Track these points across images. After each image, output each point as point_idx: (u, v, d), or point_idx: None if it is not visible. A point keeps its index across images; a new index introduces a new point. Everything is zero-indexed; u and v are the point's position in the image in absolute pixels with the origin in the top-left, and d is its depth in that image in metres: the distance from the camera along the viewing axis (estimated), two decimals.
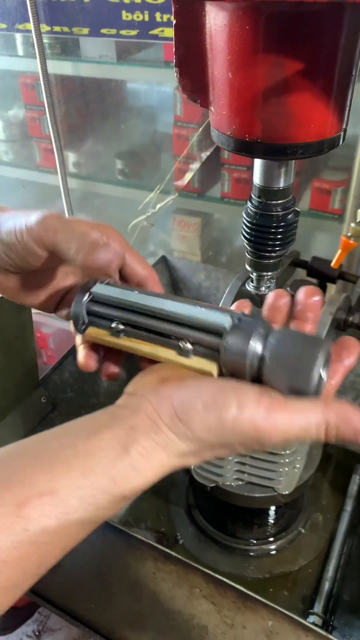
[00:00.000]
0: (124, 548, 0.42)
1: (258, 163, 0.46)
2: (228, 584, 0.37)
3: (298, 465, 0.63)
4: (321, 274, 0.79)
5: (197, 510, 0.78)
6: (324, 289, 0.82)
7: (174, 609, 0.42)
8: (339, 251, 0.63)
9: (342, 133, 0.42)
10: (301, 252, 0.80)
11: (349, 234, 0.60)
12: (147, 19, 0.92)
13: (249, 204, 0.49)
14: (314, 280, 0.81)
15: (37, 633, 1.39)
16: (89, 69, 1.09)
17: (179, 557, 0.39)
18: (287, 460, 0.60)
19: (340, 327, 0.71)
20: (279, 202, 0.48)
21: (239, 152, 0.42)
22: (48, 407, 0.77)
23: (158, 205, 1.12)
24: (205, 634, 0.42)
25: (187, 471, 0.82)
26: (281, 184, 0.46)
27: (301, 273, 0.82)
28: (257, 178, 0.47)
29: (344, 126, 0.42)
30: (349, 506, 0.78)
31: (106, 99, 1.21)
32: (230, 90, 0.39)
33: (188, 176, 1.10)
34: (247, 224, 0.49)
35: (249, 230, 0.50)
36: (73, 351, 0.80)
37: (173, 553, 0.39)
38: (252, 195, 0.49)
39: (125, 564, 0.42)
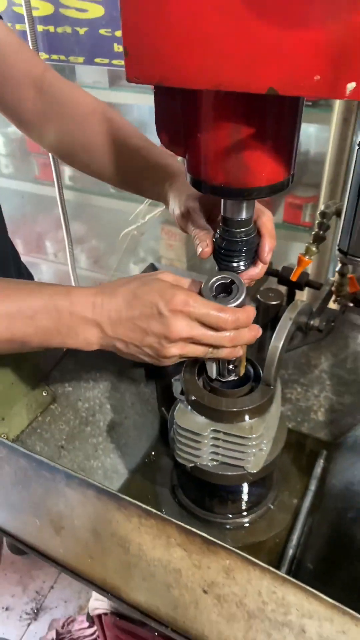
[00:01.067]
0: (114, 508, 0.52)
1: (224, 200, 0.56)
2: (196, 533, 0.48)
3: (264, 447, 0.74)
4: (290, 282, 0.89)
5: (179, 489, 0.89)
6: (292, 295, 0.93)
7: (155, 557, 0.53)
8: (297, 266, 0.74)
9: (290, 177, 0.53)
10: (276, 261, 0.91)
11: (304, 252, 0.71)
12: None
13: (218, 231, 0.60)
14: (284, 287, 0.92)
15: (35, 611, 1.50)
16: None
17: (158, 512, 0.49)
18: (254, 442, 0.71)
19: (302, 329, 0.82)
20: (242, 230, 0.58)
21: (207, 193, 0.52)
22: (49, 399, 0.87)
23: (147, 216, 1.23)
24: (179, 577, 0.52)
25: (171, 456, 0.93)
26: (243, 216, 0.57)
27: (273, 280, 0.93)
28: (223, 211, 0.57)
29: (291, 172, 0.52)
30: (313, 486, 0.89)
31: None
32: (199, 146, 0.49)
33: None
34: (217, 248, 0.60)
35: (218, 254, 0.60)
36: (70, 350, 0.90)
37: (153, 510, 0.50)
38: (220, 224, 0.59)
39: (116, 521, 0.53)
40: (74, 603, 1.51)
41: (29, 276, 1.08)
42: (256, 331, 0.60)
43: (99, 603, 1.06)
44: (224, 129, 0.47)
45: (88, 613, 1.05)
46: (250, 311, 0.59)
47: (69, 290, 0.58)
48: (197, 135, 0.49)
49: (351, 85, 0.37)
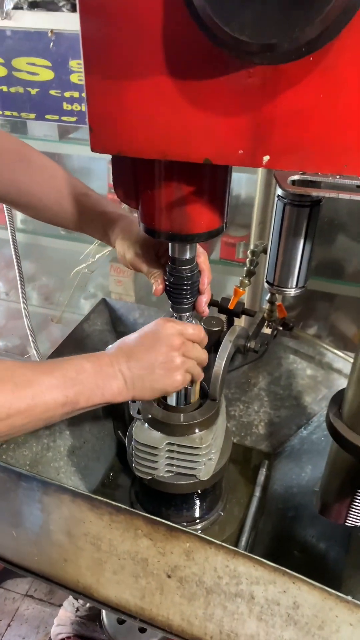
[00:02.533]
0: (87, 509, 0.60)
1: (171, 243, 0.67)
2: (159, 521, 0.56)
3: (213, 457, 0.83)
4: (228, 311, 1.01)
5: (138, 505, 0.96)
6: (231, 322, 1.05)
7: (124, 550, 0.61)
8: (233, 296, 0.86)
9: (224, 224, 0.64)
10: (215, 292, 1.02)
11: (239, 285, 0.83)
12: (84, 110, 1.14)
13: (167, 268, 0.70)
14: (224, 315, 1.03)
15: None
16: (35, 145, 1.29)
17: (127, 507, 0.58)
18: (204, 452, 0.80)
19: (241, 351, 0.94)
20: (187, 267, 0.69)
21: (156, 238, 0.63)
22: None
23: (97, 256, 1.32)
24: (146, 565, 0.60)
25: (130, 473, 1.01)
26: (187, 256, 0.68)
27: (214, 310, 1.04)
28: (170, 252, 0.68)
29: (225, 220, 0.64)
30: (257, 492, 0.99)
31: None
32: (149, 201, 0.60)
33: None
34: (167, 284, 0.71)
35: (167, 288, 0.71)
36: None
37: (123, 506, 0.58)
38: (169, 263, 0.70)
39: (89, 521, 0.61)
40: (32, 638, 1.51)
41: None
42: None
43: (61, 628, 1.10)
44: (170, 188, 0.58)
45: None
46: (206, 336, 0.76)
47: (92, 354, 0.68)
48: (148, 193, 0.60)
49: (266, 158, 0.49)
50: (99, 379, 0.65)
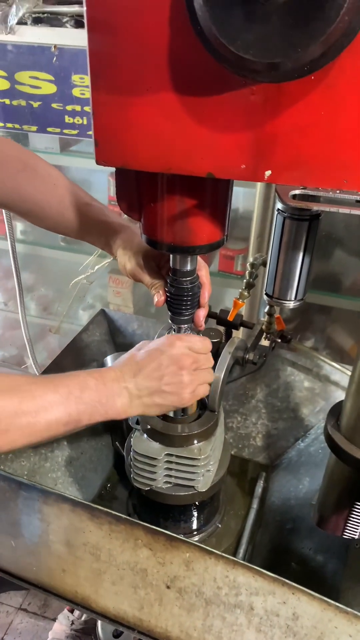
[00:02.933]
0: (87, 518, 0.60)
1: (172, 255, 0.68)
2: (159, 531, 0.57)
3: (211, 468, 0.83)
4: (227, 323, 1.02)
5: (135, 516, 0.96)
6: (230, 334, 1.05)
7: (124, 560, 0.61)
8: (232, 308, 0.86)
9: (225, 236, 0.65)
10: (214, 304, 1.03)
11: (238, 297, 0.84)
12: (85, 123, 1.16)
13: (167, 279, 0.71)
14: (222, 327, 1.04)
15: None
16: None
17: (127, 517, 0.58)
18: (203, 463, 0.80)
19: (239, 363, 0.94)
20: (188, 278, 0.70)
21: (158, 250, 0.64)
22: None
23: (96, 267, 1.33)
24: (145, 576, 0.60)
25: (127, 485, 1.01)
26: (188, 268, 0.69)
27: (212, 322, 1.05)
28: (172, 263, 0.69)
29: (226, 233, 0.65)
30: (255, 505, 0.99)
31: None
32: (152, 214, 0.61)
33: None
34: (168, 295, 0.71)
35: (168, 299, 0.72)
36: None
37: (123, 515, 0.58)
38: (169, 274, 0.71)
39: (89, 530, 0.61)
40: None
41: None
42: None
43: None
44: (172, 200, 0.59)
45: None
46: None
47: (97, 370, 0.69)
48: (151, 205, 0.61)
49: (268, 173, 0.51)
50: (102, 396, 0.65)
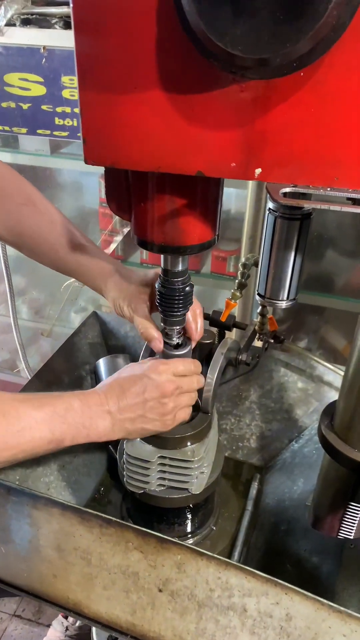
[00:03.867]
0: (77, 522, 0.59)
1: (163, 255, 0.68)
2: (150, 533, 0.56)
3: (205, 470, 0.83)
4: (220, 324, 1.01)
5: (129, 520, 0.95)
6: (223, 335, 1.05)
7: (115, 564, 0.60)
8: (224, 309, 0.86)
9: (216, 236, 0.65)
10: (206, 306, 1.03)
11: (230, 297, 0.84)
12: (75, 125, 1.15)
13: (158, 280, 0.71)
14: (215, 329, 1.03)
15: None
16: (26, 159, 1.30)
17: (117, 520, 0.57)
18: (196, 465, 0.80)
19: (232, 364, 0.94)
20: (179, 279, 0.69)
21: (148, 250, 0.63)
22: None
23: None
24: (137, 579, 0.60)
25: (121, 488, 1.00)
26: (179, 268, 0.68)
27: (205, 323, 1.04)
28: (163, 264, 0.68)
29: (217, 232, 0.65)
30: (249, 506, 0.99)
31: (41, 182, 1.42)
32: (142, 214, 0.61)
33: (113, 246, 1.32)
34: (158, 295, 0.71)
35: (159, 299, 0.71)
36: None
37: (113, 518, 0.57)
38: (161, 274, 0.70)
39: (79, 534, 0.60)
40: None
41: None
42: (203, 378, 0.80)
43: None
44: (163, 200, 0.58)
45: None
46: (199, 364, 0.79)
47: (81, 392, 0.70)
48: (141, 205, 0.60)
49: (258, 171, 0.50)
50: (85, 418, 0.65)
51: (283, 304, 0.75)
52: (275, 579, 0.51)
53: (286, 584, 0.51)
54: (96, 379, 1.13)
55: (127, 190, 0.61)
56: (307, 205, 0.51)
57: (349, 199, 0.50)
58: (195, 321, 0.78)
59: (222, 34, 0.40)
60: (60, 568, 0.64)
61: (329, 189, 0.50)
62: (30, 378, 0.97)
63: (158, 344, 0.76)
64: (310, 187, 0.50)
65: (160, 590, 0.59)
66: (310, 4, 0.38)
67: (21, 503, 0.61)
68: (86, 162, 0.54)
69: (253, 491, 1.01)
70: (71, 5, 0.47)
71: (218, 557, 0.54)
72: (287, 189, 0.53)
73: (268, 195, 0.55)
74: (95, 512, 0.57)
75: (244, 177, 0.51)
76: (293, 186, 0.51)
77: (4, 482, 0.61)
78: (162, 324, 0.76)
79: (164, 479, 0.81)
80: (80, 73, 0.50)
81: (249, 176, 0.51)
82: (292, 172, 0.50)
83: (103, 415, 0.67)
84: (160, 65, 0.47)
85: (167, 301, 0.71)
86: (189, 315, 0.76)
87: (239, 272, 0.86)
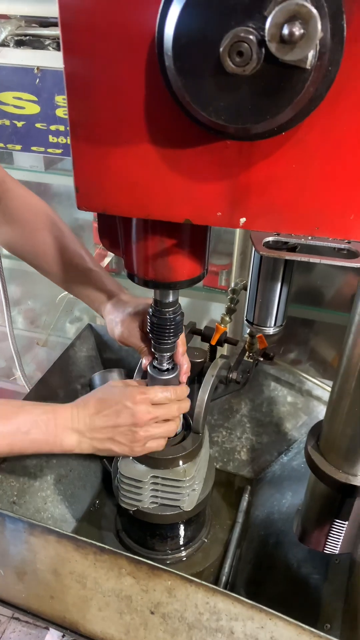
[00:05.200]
0: (72, 549, 0.62)
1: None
2: (143, 561, 0.59)
3: (196, 487, 0.86)
4: (211, 339, 1.04)
5: (123, 532, 0.98)
6: (214, 350, 1.08)
7: (109, 587, 0.63)
8: (215, 332, 0.89)
9: (204, 271, 0.67)
10: (199, 318, 1.05)
11: (220, 321, 0.86)
12: (69, 142, 1.16)
13: (150, 310, 0.73)
14: (206, 344, 1.06)
15: None
16: (21, 175, 1.32)
17: (111, 548, 0.60)
18: (188, 484, 0.83)
19: (223, 382, 0.96)
20: (170, 309, 0.72)
21: (139, 285, 0.66)
22: None
23: None
24: (130, 602, 0.63)
25: (114, 504, 1.03)
26: (170, 299, 0.71)
27: (196, 339, 1.07)
28: (154, 294, 0.71)
29: (205, 267, 0.67)
30: (240, 518, 1.02)
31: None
32: (132, 252, 0.63)
33: (107, 259, 1.34)
34: (149, 323, 0.73)
35: (150, 327, 0.74)
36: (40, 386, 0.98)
37: (106, 546, 0.60)
38: (152, 305, 0.73)
39: (75, 560, 0.63)
40: None
41: None
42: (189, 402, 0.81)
43: None
44: (152, 241, 0.61)
45: None
46: (185, 388, 0.80)
47: (54, 407, 0.72)
48: (131, 244, 0.63)
49: (243, 220, 0.53)
50: (50, 435, 0.68)
51: (270, 331, 0.77)
52: (260, 606, 0.54)
53: (270, 610, 0.54)
54: None
55: (118, 230, 0.64)
56: (289, 257, 0.53)
57: (339, 249, 0.52)
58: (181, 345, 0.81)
59: (205, 105, 0.42)
60: (57, 590, 0.67)
61: (310, 237, 0.53)
62: (26, 386, 0.99)
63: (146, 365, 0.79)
64: (293, 235, 0.52)
65: (152, 613, 0.62)
66: (289, 81, 0.40)
67: (18, 530, 0.64)
68: (79, 208, 0.57)
69: (244, 503, 1.04)
70: (63, 63, 0.49)
71: (206, 584, 0.57)
72: (270, 238, 0.55)
73: (252, 244, 0.57)
74: (90, 541, 0.60)
75: (230, 226, 0.54)
76: (276, 234, 0.54)
77: (2, 511, 0.64)
78: (153, 350, 0.79)
79: (156, 497, 0.84)
80: (72, 127, 0.52)
81: (234, 224, 0.53)
82: (275, 222, 0.52)
83: (69, 433, 0.70)
84: (148, 123, 0.50)
85: (159, 330, 0.74)
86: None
87: (229, 297, 0.88)
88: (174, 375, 0.79)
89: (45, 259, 0.89)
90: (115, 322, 0.84)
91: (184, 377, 0.79)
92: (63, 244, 0.88)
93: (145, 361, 0.78)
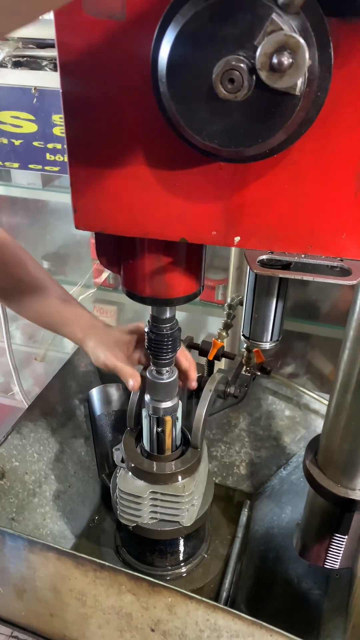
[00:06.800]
0: (72, 566, 0.62)
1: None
2: (142, 578, 0.59)
3: (196, 502, 0.86)
4: (208, 353, 1.04)
5: (123, 549, 0.98)
6: (212, 364, 1.08)
7: (109, 605, 0.63)
8: (212, 348, 0.89)
9: (200, 288, 0.68)
10: (197, 332, 1.06)
11: (217, 337, 0.87)
12: (66, 160, 1.18)
13: (147, 326, 0.74)
14: (204, 358, 1.06)
15: None
16: (19, 192, 1.33)
17: (111, 565, 0.60)
18: (187, 499, 0.83)
19: (221, 396, 0.97)
20: (167, 325, 0.73)
21: (138, 302, 0.67)
22: None
23: (80, 297, 1.36)
24: (130, 620, 0.63)
25: (113, 520, 1.03)
26: (167, 315, 0.72)
27: (194, 353, 1.07)
28: (151, 310, 0.72)
29: (201, 284, 0.68)
30: (240, 533, 1.02)
31: (33, 212, 1.45)
32: (130, 270, 0.64)
33: (104, 275, 1.35)
34: (147, 339, 0.74)
35: (148, 343, 0.74)
36: (15, 426, 0.98)
37: (106, 563, 0.60)
38: (149, 321, 0.73)
39: (74, 577, 0.63)
40: None
41: None
42: None
43: None
44: (150, 259, 0.62)
45: None
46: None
47: None
48: (129, 263, 0.64)
49: (237, 239, 0.54)
50: None
51: (267, 346, 0.78)
52: (261, 622, 0.54)
53: (270, 626, 0.54)
54: (89, 407, 1.16)
55: (115, 247, 0.65)
56: (282, 275, 0.54)
57: (332, 267, 0.53)
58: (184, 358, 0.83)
59: (199, 129, 0.44)
60: (56, 608, 0.67)
61: (303, 255, 0.54)
62: (24, 401, 0.99)
63: (135, 384, 0.81)
64: (286, 253, 0.54)
65: (152, 630, 0.62)
66: (279, 106, 0.41)
67: (18, 547, 0.64)
68: (77, 228, 0.58)
69: (243, 518, 1.04)
70: (60, 91, 0.50)
71: (206, 600, 0.57)
72: (264, 256, 0.56)
73: (246, 262, 0.58)
74: (90, 558, 0.60)
75: (224, 244, 0.55)
76: (270, 253, 0.55)
77: (1, 528, 0.64)
78: (152, 365, 0.79)
79: (155, 512, 0.84)
80: (70, 150, 0.53)
81: (229, 243, 0.54)
82: (269, 241, 0.53)
83: None
84: (144, 145, 0.51)
85: (157, 345, 0.74)
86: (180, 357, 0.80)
87: (225, 312, 0.89)
88: (172, 379, 0.79)
89: (18, 301, 0.89)
90: (100, 352, 0.85)
91: (193, 384, 0.85)
92: (36, 285, 0.88)
93: (132, 383, 0.81)
